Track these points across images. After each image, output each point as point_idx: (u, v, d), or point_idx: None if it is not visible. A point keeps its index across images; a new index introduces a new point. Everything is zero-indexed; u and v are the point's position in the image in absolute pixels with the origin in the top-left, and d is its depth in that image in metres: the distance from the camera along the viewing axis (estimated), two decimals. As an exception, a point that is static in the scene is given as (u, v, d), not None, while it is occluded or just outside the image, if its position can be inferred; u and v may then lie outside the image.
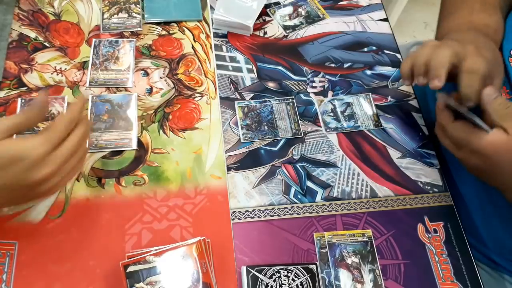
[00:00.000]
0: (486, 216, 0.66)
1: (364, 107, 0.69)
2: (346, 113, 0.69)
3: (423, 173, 0.64)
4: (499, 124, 0.49)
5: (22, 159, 0.43)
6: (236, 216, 0.59)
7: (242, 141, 0.64)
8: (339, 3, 0.82)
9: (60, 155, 0.45)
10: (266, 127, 0.66)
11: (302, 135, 0.66)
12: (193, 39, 0.74)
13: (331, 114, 0.69)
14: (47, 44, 0.70)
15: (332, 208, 0.60)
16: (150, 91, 0.68)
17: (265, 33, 0.77)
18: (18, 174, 0.43)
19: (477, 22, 0.62)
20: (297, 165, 0.63)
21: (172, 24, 0.75)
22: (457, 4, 0.66)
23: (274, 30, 0.77)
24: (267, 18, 0.78)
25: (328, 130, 0.67)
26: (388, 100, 0.71)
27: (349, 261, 0.56)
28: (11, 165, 0.43)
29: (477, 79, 0.51)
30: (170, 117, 0.66)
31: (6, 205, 0.53)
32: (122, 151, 0.62)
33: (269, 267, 0.54)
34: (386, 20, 0.81)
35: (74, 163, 0.48)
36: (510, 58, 0.61)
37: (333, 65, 0.74)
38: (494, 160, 0.50)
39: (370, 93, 0.71)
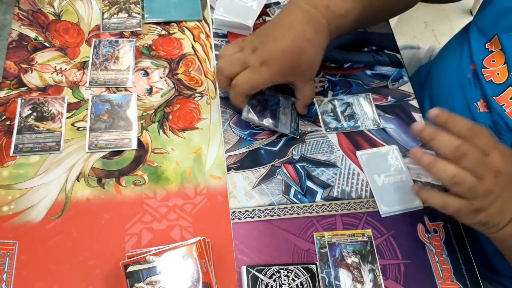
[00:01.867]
0: None
1: (364, 107, 0.69)
2: (346, 113, 0.69)
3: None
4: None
5: None
6: (236, 216, 0.59)
7: (242, 117, 0.63)
8: (339, 3, 0.82)
9: None
10: (268, 114, 0.65)
11: (299, 137, 0.66)
12: (193, 39, 0.74)
13: (331, 114, 0.69)
14: (47, 44, 0.70)
15: (332, 208, 0.60)
16: (150, 91, 0.68)
17: (265, 33, 0.77)
18: None
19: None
20: (297, 165, 0.63)
21: (172, 24, 0.75)
22: None
23: (274, 30, 0.77)
24: (267, 18, 0.78)
25: (328, 130, 0.67)
26: (388, 100, 0.71)
27: (349, 261, 0.56)
28: None
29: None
30: (170, 117, 0.66)
31: None
32: (122, 151, 0.62)
33: (269, 267, 0.54)
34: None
35: None
36: (468, 74, 0.62)
37: (333, 65, 0.74)
38: None
39: (370, 93, 0.71)
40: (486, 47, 0.60)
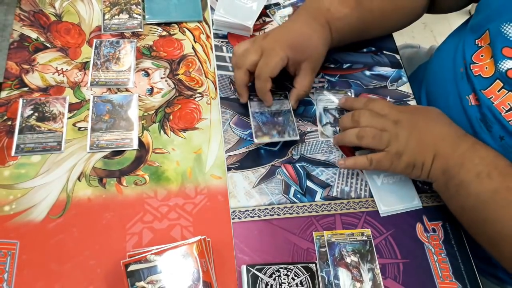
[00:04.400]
0: None
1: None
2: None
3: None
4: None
5: None
6: (236, 216, 0.59)
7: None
8: (338, 4, 0.82)
9: None
10: (274, 129, 0.65)
11: (298, 138, 0.66)
12: (194, 39, 0.74)
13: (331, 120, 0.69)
14: (48, 45, 0.70)
15: (332, 208, 0.61)
16: (151, 92, 0.68)
17: (265, 33, 0.77)
18: None
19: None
20: (297, 165, 0.64)
21: (172, 24, 0.75)
22: None
23: (274, 30, 0.77)
24: (267, 19, 0.79)
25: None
26: (387, 101, 0.71)
27: (348, 260, 0.56)
28: None
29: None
30: (171, 117, 0.66)
31: None
32: (123, 151, 0.62)
33: (269, 266, 0.54)
34: (385, 21, 0.81)
35: None
36: (461, 68, 0.63)
37: (332, 65, 0.74)
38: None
39: (370, 94, 0.71)
40: (476, 43, 0.61)
